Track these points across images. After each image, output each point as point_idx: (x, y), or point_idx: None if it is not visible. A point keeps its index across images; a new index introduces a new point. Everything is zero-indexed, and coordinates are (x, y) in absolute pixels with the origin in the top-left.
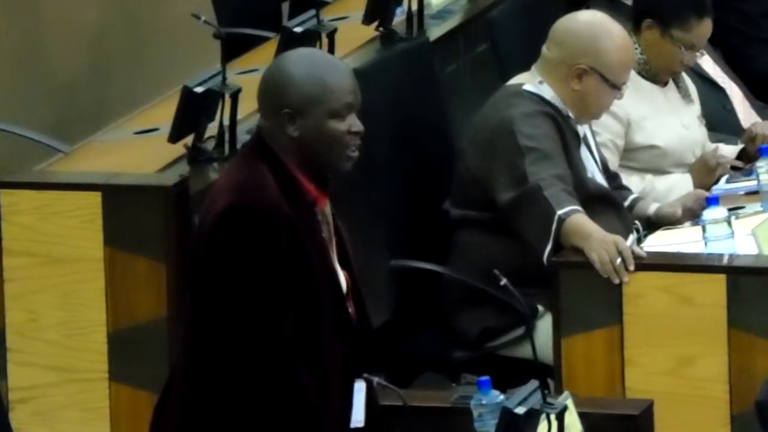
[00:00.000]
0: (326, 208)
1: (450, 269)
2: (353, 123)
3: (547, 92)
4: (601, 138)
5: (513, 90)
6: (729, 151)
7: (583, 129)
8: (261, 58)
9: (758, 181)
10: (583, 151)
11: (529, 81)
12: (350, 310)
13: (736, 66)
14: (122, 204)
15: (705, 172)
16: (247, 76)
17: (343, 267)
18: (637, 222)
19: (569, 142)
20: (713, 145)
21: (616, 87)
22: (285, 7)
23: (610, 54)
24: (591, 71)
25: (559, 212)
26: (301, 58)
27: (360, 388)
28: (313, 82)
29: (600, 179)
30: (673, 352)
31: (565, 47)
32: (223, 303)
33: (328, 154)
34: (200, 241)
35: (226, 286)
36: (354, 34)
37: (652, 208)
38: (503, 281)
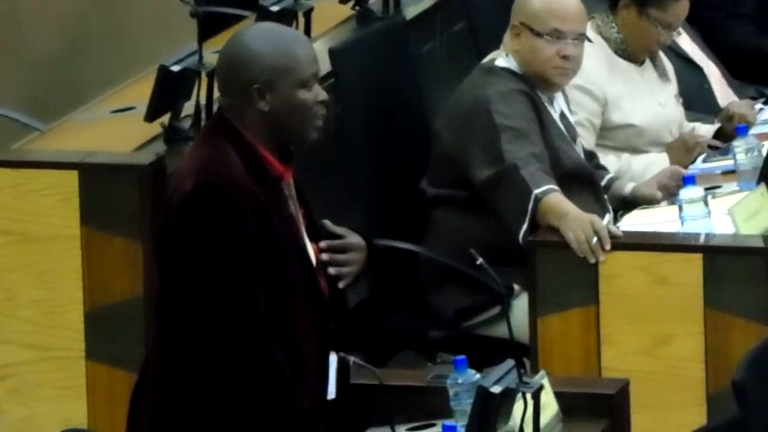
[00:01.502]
0: (291, 182)
1: (426, 248)
2: (319, 92)
3: (514, 63)
4: (577, 117)
5: (487, 67)
6: (706, 130)
7: (559, 105)
8: None
9: (735, 160)
10: (561, 129)
11: (500, 55)
12: (321, 283)
13: (713, 41)
14: (98, 183)
15: (683, 152)
16: None
17: (312, 240)
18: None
19: (545, 119)
20: (690, 125)
21: (546, 36)
22: None
23: (532, 3)
24: (522, 27)
25: (536, 191)
26: (261, 32)
27: (332, 361)
28: (280, 55)
29: (577, 157)
30: (649, 331)
31: (512, 11)
32: (194, 283)
33: (298, 125)
34: (168, 223)
35: (197, 267)
36: (330, 13)
37: (628, 188)
38: (479, 260)
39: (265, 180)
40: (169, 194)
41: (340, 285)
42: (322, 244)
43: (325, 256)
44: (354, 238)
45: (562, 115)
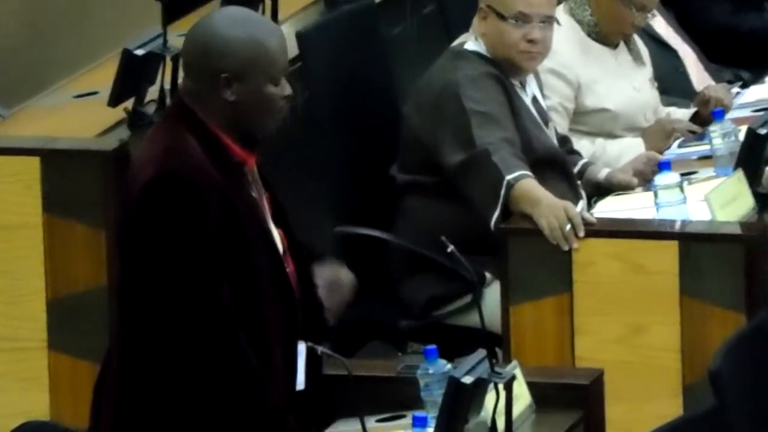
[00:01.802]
0: (255, 168)
1: (396, 236)
2: (285, 86)
3: (483, 47)
4: (550, 101)
5: (456, 51)
6: (682, 114)
7: (531, 90)
8: None
9: (711, 145)
10: (533, 113)
11: (470, 39)
12: (288, 268)
13: (689, 22)
14: (61, 169)
15: (659, 137)
16: None
17: (277, 225)
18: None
19: (517, 103)
20: (666, 109)
21: (511, 20)
22: None
23: None
24: (488, 10)
25: (508, 177)
26: (235, 19)
27: (301, 351)
28: (254, 47)
29: (549, 142)
30: (624, 320)
31: None
32: (156, 274)
33: (261, 118)
34: (127, 212)
35: (158, 258)
36: None
37: (602, 173)
38: (450, 248)
39: (226, 166)
40: (128, 183)
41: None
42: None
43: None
44: (343, 274)
45: (534, 100)
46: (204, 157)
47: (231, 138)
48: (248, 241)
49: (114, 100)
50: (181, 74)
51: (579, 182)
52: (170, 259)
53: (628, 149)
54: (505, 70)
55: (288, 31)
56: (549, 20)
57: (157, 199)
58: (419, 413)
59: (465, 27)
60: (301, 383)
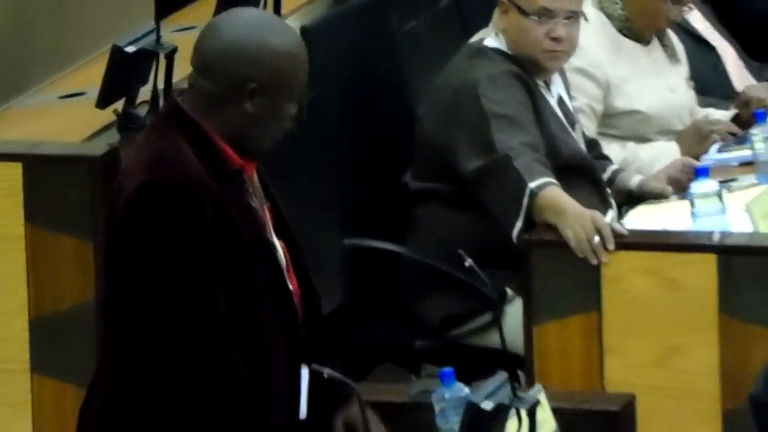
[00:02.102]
0: (254, 175)
1: (409, 249)
2: (294, 109)
3: (504, 44)
4: (577, 102)
5: (475, 48)
6: (720, 116)
7: (556, 89)
8: (199, 13)
9: (753, 150)
10: (559, 115)
11: (489, 34)
12: (290, 285)
13: (728, 17)
14: (45, 176)
15: (696, 141)
16: (184, 34)
17: (279, 237)
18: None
19: (541, 104)
20: (703, 111)
21: (532, 14)
22: None
23: None
24: (509, 4)
25: (531, 185)
26: (267, 26)
27: (304, 376)
28: (287, 60)
29: (577, 147)
30: (657, 340)
31: None
32: (146, 287)
33: (266, 135)
34: (114, 223)
35: (148, 269)
36: None
37: (634, 181)
38: (468, 262)
39: (222, 173)
40: (116, 191)
41: None
42: None
43: None
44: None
45: (560, 101)
46: (197, 163)
47: (227, 143)
48: (246, 253)
49: (103, 102)
50: (177, 73)
51: (608, 190)
52: (161, 271)
53: (662, 154)
54: (528, 68)
55: (292, 26)
56: (575, 15)
57: (147, 206)
58: None
59: (484, 21)
60: (303, 412)
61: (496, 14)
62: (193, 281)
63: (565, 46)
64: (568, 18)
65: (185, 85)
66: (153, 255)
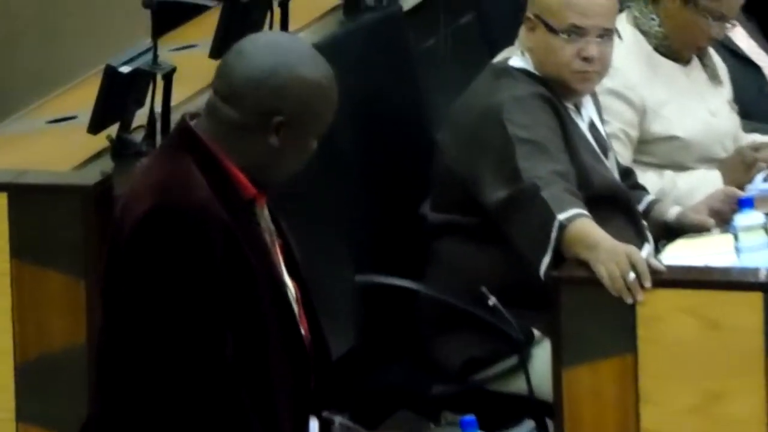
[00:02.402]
0: (265, 208)
1: (427, 286)
2: (315, 144)
3: (531, 63)
4: (610, 127)
5: (500, 68)
6: (766, 142)
7: (587, 113)
8: (200, 31)
9: None
10: (590, 141)
11: (515, 53)
12: (302, 328)
13: None
14: (32, 208)
15: (740, 170)
16: (183, 53)
17: (291, 277)
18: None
19: (571, 129)
20: (747, 136)
21: (561, 33)
22: None
23: None
24: (537, 20)
25: (560, 217)
26: (310, 57)
27: (313, 427)
28: (321, 96)
29: (610, 175)
30: (698, 386)
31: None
32: (148, 325)
33: (285, 170)
34: (115, 253)
35: (151, 305)
36: (311, 3)
37: (672, 212)
38: (492, 300)
39: (234, 203)
40: (118, 219)
41: None
42: None
43: None
44: None
45: (592, 125)
46: (209, 191)
47: (241, 171)
48: (257, 291)
49: (95, 126)
50: (176, 95)
51: (644, 223)
52: (165, 305)
53: (703, 184)
54: (556, 90)
55: None
56: (608, 33)
57: (152, 235)
58: None
59: (509, 40)
60: None
61: (523, 31)
62: (199, 318)
63: (597, 67)
64: (600, 36)
65: (186, 109)
66: (157, 287)
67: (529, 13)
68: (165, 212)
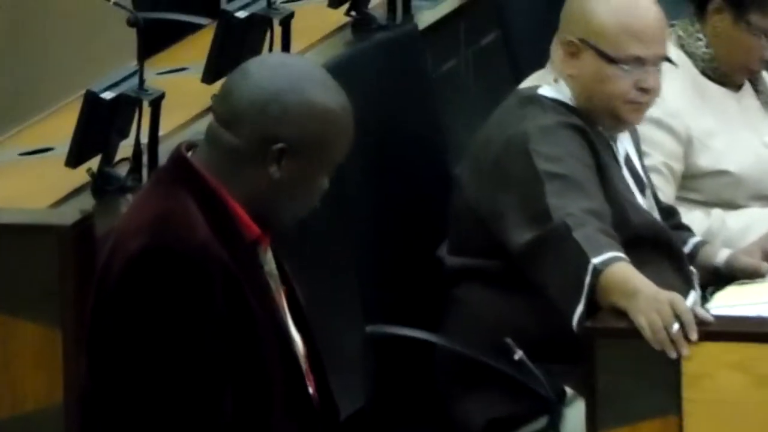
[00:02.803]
0: (269, 250)
1: (446, 337)
2: (325, 182)
3: (565, 92)
4: (651, 160)
5: (526, 95)
6: None
7: (624, 145)
8: (192, 52)
9: None
10: (626, 176)
11: (545, 81)
12: (310, 387)
13: None
14: (3, 250)
15: None
16: (173, 76)
17: (296, 327)
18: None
19: (606, 163)
20: None
21: (618, 62)
22: None
23: (601, 15)
24: (583, 45)
25: (595, 260)
26: (322, 81)
27: None
28: (331, 124)
29: (649, 214)
30: None
31: (561, 20)
32: (139, 380)
33: (288, 211)
34: (103, 299)
35: (142, 358)
36: (316, 21)
37: (721, 256)
38: (518, 354)
39: (236, 244)
40: (105, 262)
41: None
42: None
43: None
44: None
45: (628, 159)
46: (208, 230)
47: (246, 211)
48: (261, 343)
49: (74, 159)
50: (165, 124)
51: (690, 267)
52: (159, 359)
53: (756, 223)
54: (594, 120)
55: None
56: (662, 60)
57: (145, 278)
58: None
59: (537, 61)
60: None
61: (558, 56)
62: (196, 372)
63: (651, 97)
64: (656, 65)
65: (176, 140)
66: (150, 336)
67: (568, 35)
68: (160, 252)
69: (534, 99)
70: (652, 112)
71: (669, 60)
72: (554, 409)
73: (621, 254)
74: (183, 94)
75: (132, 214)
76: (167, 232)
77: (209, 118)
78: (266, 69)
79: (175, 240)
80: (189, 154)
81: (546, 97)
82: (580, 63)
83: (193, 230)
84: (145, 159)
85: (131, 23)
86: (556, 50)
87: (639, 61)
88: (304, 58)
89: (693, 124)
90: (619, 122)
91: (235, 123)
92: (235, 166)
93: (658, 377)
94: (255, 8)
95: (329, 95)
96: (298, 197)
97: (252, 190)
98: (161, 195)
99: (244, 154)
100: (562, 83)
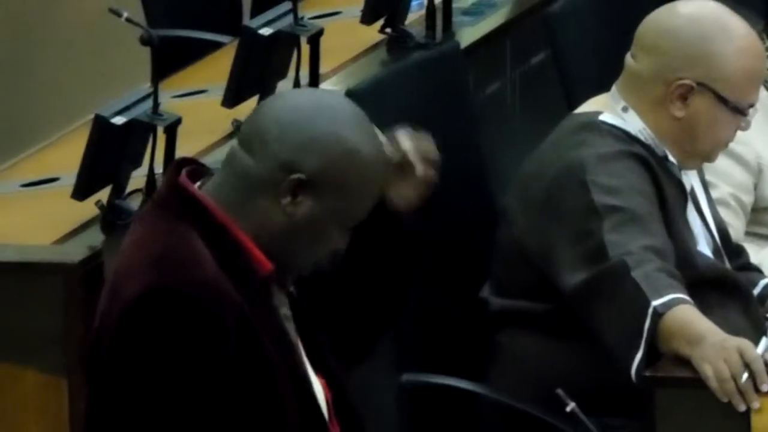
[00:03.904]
0: (281, 291)
1: (490, 387)
2: (345, 241)
3: (634, 123)
4: (719, 192)
5: (584, 121)
6: None
7: (689, 179)
8: (211, 73)
9: None
10: (691, 212)
11: (608, 107)
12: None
13: None
14: (3, 291)
15: None
16: (190, 99)
17: (317, 371)
18: None
19: (669, 197)
20: None
21: (739, 110)
22: (245, 1)
23: (727, 61)
24: (700, 88)
25: (655, 303)
26: (360, 125)
27: None
28: (359, 169)
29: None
30: None
31: (661, 55)
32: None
33: (299, 257)
34: (101, 346)
35: (147, 412)
36: (349, 39)
37: None
38: (570, 406)
39: (248, 282)
40: (103, 310)
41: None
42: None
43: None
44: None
45: (692, 193)
46: (216, 268)
47: (257, 247)
48: (276, 390)
49: (82, 191)
50: (181, 151)
51: (761, 311)
52: (166, 414)
53: None
54: (665, 153)
55: (335, 89)
56: None
57: (149, 321)
58: None
59: (590, 84)
60: None
61: (657, 92)
62: (208, 424)
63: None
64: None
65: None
66: (155, 388)
67: (687, 79)
68: (164, 293)
69: (593, 125)
70: None
71: None
72: None
73: (684, 296)
74: (201, 119)
75: (128, 255)
76: (171, 270)
77: (230, 146)
78: (305, 94)
79: (181, 279)
80: (198, 183)
81: (606, 123)
82: (691, 107)
83: (200, 268)
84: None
85: (145, 41)
86: (643, 84)
87: (752, 108)
88: (346, 98)
89: (763, 152)
90: (701, 162)
91: (255, 142)
92: (246, 193)
93: (726, 431)
94: (280, 25)
95: (365, 138)
96: (306, 242)
97: (261, 223)
98: (160, 231)
99: (258, 179)
100: (632, 113)
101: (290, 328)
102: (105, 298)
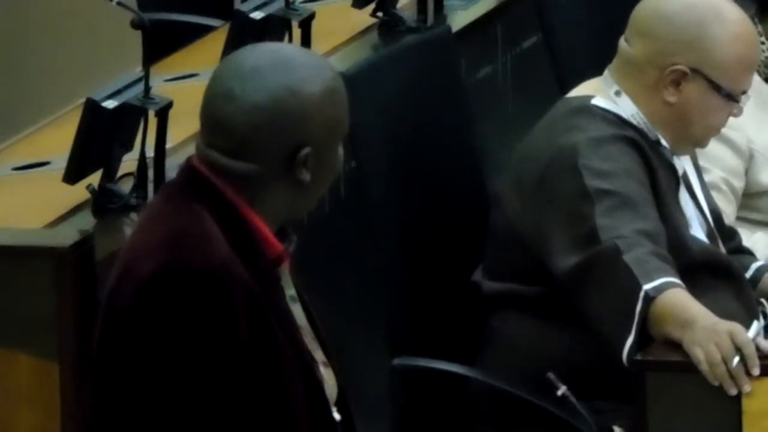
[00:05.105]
0: (288, 272)
1: (482, 371)
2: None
3: (627, 107)
4: (711, 176)
5: (576, 105)
6: None
7: (682, 163)
8: (203, 57)
9: None
10: (683, 196)
11: (601, 91)
12: (337, 418)
13: None
14: None
15: None
16: (182, 83)
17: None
18: (764, 302)
19: (662, 181)
20: None
21: (732, 97)
22: None
23: (722, 47)
24: (693, 74)
25: (647, 286)
26: (311, 66)
27: None
28: (335, 104)
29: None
30: None
31: (655, 40)
32: (152, 415)
33: (315, 198)
34: (112, 328)
35: (157, 389)
36: (339, 22)
37: None
38: (561, 390)
39: (258, 264)
40: (112, 289)
41: None
42: None
43: None
44: None
45: (684, 177)
46: (229, 248)
47: (266, 223)
48: (285, 372)
49: (73, 174)
50: (173, 135)
51: (753, 295)
52: (176, 391)
53: None
54: (657, 137)
55: None
56: None
57: (161, 301)
58: None
59: (582, 68)
60: None
61: (651, 77)
62: (217, 406)
63: None
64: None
65: (186, 153)
66: (167, 365)
67: (680, 65)
68: (176, 273)
69: (585, 109)
70: None
71: None
72: None
73: (676, 280)
74: (193, 103)
75: (141, 235)
76: (184, 251)
77: None
78: (247, 80)
79: (193, 259)
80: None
81: (599, 107)
82: (684, 92)
83: (212, 247)
84: (150, 174)
85: (136, 25)
86: (637, 69)
87: (744, 95)
88: (276, 48)
89: (756, 138)
90: (693, 147)
91: (245, 150)
92: (258, 187)
93: (717, 416)
94: (272, 8)
95: (323, 75)
96: (325, 180)
97: (284, 202)
98: (173, 212)
99: (267, 175)
100: (625, 98)
101: (296, 309)
102: (114, 280)
